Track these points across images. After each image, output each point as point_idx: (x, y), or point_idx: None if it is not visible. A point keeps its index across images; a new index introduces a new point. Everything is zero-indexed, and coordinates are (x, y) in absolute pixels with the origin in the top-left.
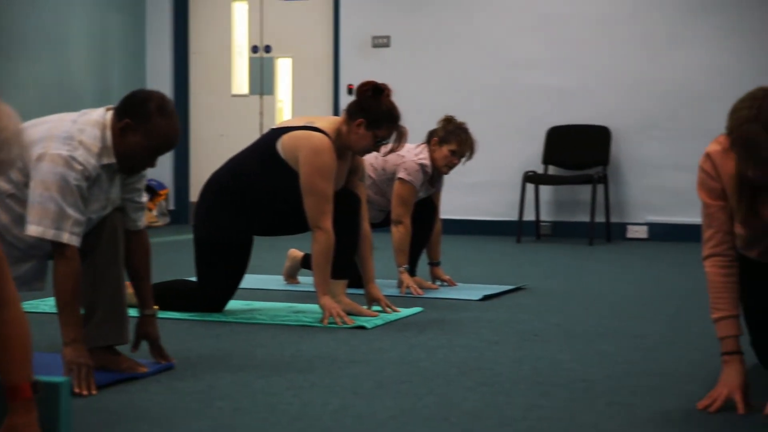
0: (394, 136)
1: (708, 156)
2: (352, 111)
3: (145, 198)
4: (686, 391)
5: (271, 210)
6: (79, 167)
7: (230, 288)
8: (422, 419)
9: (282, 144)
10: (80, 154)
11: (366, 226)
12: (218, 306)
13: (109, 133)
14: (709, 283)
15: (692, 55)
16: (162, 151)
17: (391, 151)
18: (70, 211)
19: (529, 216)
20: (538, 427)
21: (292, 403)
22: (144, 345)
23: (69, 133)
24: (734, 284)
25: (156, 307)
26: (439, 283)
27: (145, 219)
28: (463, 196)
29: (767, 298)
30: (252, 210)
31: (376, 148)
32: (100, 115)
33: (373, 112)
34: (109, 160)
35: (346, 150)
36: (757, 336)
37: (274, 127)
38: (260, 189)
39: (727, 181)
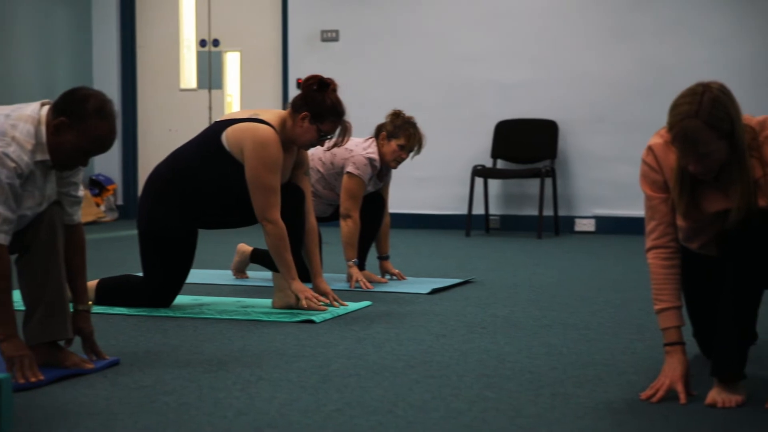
0: (338, 131)
1: (650, 149)
2: (297, 104)
3: (81, 192)
4: (629, 382)
5: (215, 203)
6: (12, 164)
7: (176, 282)
8: (368, 412)
9: (227, 136)
10: (13, 151)
11: (312, 220)
12: (165, 301)
13: (43, 129)
14: (651, 274)
15: (637, 48)
16: (94, 153)
17: (335, 145)
18: (0, 209)
19: (478, 210)
20: (483, 418)
21: (239, 397)
22: (77, 341)
23: (1, 129)
24: (677, 276)
25: (90, 302)
26: (388, 276)
27: (80, 213)
28: (412, 190)
29: (708, 291)
30: (196, 203)
31: (320, 142)
32: (35, 111)
33: (317, 106)
34: (43, 156)
35: (290, 143)
36: (699, 327)
37: (218, 119)
38: (204, 181)
39: (668, 174)
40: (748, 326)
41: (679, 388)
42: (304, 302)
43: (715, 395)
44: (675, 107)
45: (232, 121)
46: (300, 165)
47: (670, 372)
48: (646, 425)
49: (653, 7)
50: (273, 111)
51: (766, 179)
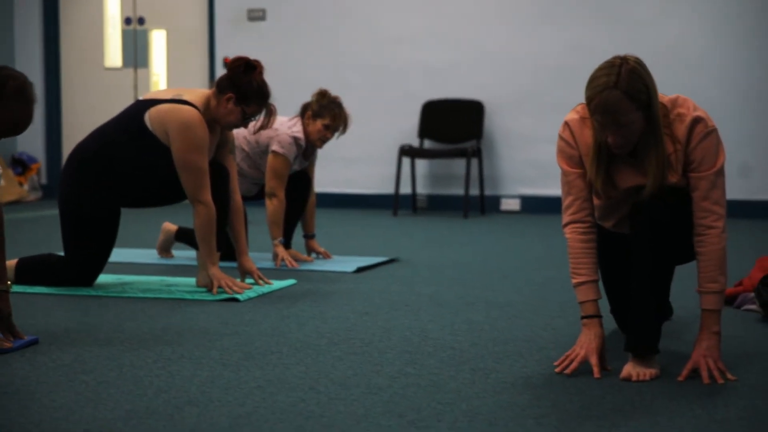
0: (263, 114)
1: (566, 124)
2: (223, 85)
3: None
4: (548, 357)
5: (137, 182)
6: None
7: (98, 261)
8: (289, 388)
9: (150, 117)
10: None
11: (237, 198)
12: (87, 280)
13: None
14: (569, 249)
15: (562, 31)
16: (8, 135)
17: (261, 128)
18: None
19: (406, 189)
20: (404, 393)
21: (159, 375)
22: None
23: None
24: (593, 250)
25: (9, 282)
26: (314, 255)
27: None
28: (339, 170)
29: (623, 267)
30: (118, 182)
31: (244, 124)
32: None
33: (243, 87)
34: None
35: (214, 123)
36: (616, 303)
37: (140, 98)
38: (126, 160)
39: (584, 150)
40: (662, 301)
41: (593, 360)
42: (215, 290)
43: (630, 369)
44: (593, 80)
45: (155, 101)
46: (224, 144)
47: (586, 343)
48: (562, 398)
49: None
50: (197, 91)
51: (676, 156)
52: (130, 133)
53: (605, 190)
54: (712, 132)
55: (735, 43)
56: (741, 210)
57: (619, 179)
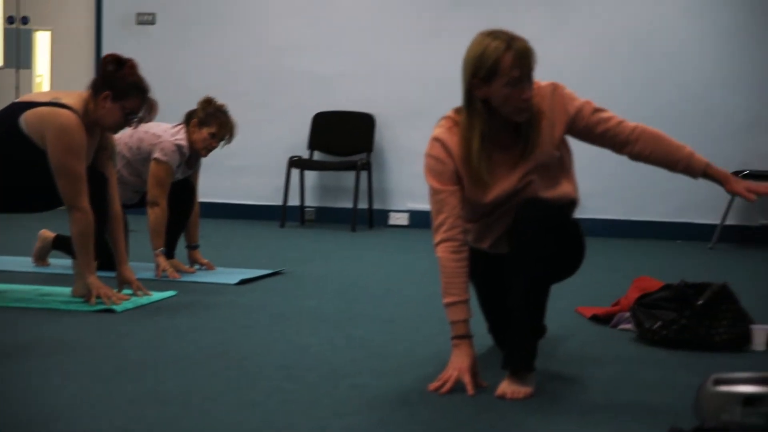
0: (143, 109)
1: (436, 140)
2: (97, 85)
3: None
4: (427, 374)
5: (12, 187)
6: None
7: None
8: (162, 402)
9: (26, 121)
10: None
11: (117, 206)
12: None
13: None
14: (441, 268)
15: (453, 45)
16: None
17: (140, 121)
18: None
19: (294, 201)
20: (279, 410)
21: (27, 388)
22: None
23: None
24: (465, 269)
25: None
26: (197, 266)
27: None
28: (227, 179)
29: (500, 287)
30: None
31: (128, 122)
32: None
33: (117, 83)
34: None
35: (95, 126)
36: (493, 322)
37: (16, 100)
38: (0, 164)
39: (458, 157)
40: (538, 320)
41: (467, 379)
42: (93, 300)
43: (505, 387)
44: (487, 46)
45: (31, 104)
46: (103, 148)
47: (458, 364)
48: (437, 416)
49: (470, 7)
50: (74, 93)
51: (567, 154)
52: (4, 137)
53: (481, 193)
54: (562, 87)
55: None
56: (618, 230)
57: (495, 182)
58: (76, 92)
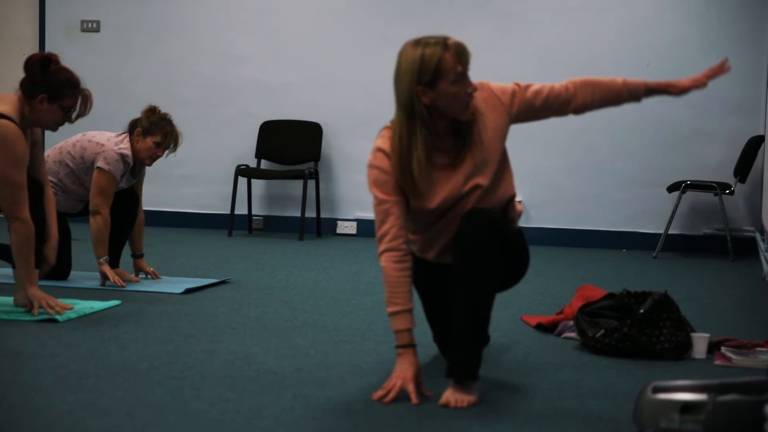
0: (79, 102)
1: (378, 150)
2: (29, 89)
3: None
4: (371, 384)
5: None
6: None
7: None
8: (103, 413)
9: None
10: None
11: (51, 211)
12: None
13: None
14: (385, 277)
15: None
16: None
17: (78, 116)
18: None
19: (242, 210)
20: (222, 420)
21: None
22: None
23: None
24: (409, 278)
25: None
26: (142, 275)
27: None
28: (174, 188)
29: (444, 296)
30: None
31: (68, 119)
32: None
33: (50, 84)
34: None
35: (33, 127)
36: (438, 331)
37: None
38: None
39: (400, 167)
40: (482, 329)
41: (410, 388)
42: (35, 311)
43: (449, 395)
44: (424, 54)
45: None
46: (34, 143)
47: (402, 373)
48: (382, 425)
49: (418, 16)
50: (6, 97)
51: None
52: None
53: (426, 200)
54: (488, 82)
55: None
56: (564, 239)
57: (439, 187)
58: (8, 95)
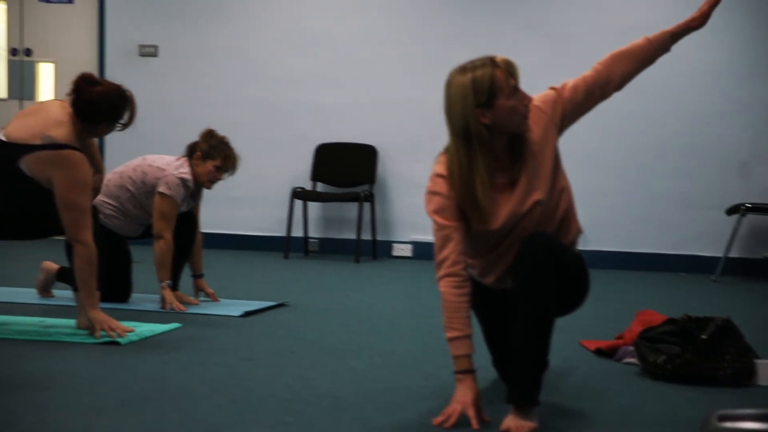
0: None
1: (438, 176)
2: (85, 120)
3: None
4: (430, 408)
5: (11, 218)
6: None
7: None
8: None
9: (28, 165)
10: None
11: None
12: None
13: None
14: (444, 302)
15: None
16: None
17: (125, 126)
18: None
19: (298, 232)
20: None
21: (31, 422)
22: None
23: None
24: (468, 303)
25: None
26: (202, 296)
27: None
28: (230, 211)
29: (504, 321)
30: None
31: (119, 128)
32: None
33: (103, 113)
34: None
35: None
36: (497, 356)
37: (2, 137)
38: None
39: (460, 192)
40: (542, 355)
41: (471, 413)
42: (97, 334)
43: (509, 422)
44: (475, 77)
45: (25, 147)
46: (91, 158)
47: (462, 398)
48: None
49: (470, 38)
50: (60, 123)
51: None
52: (5, 179)
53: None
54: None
55: None
56: (619, 262)
57: (500, 206)
58: (57, 117)
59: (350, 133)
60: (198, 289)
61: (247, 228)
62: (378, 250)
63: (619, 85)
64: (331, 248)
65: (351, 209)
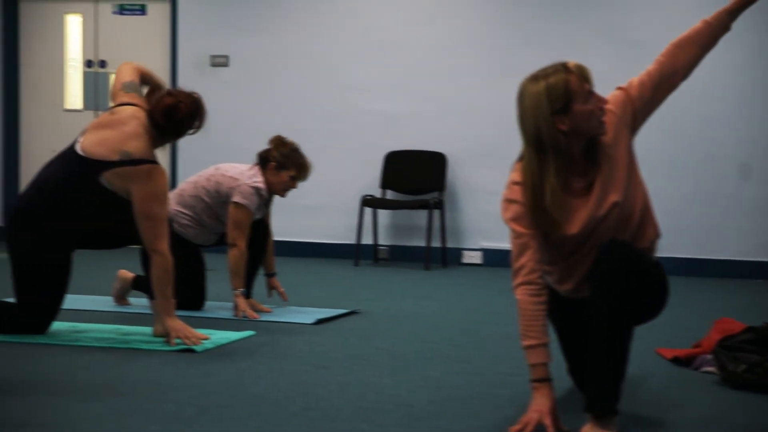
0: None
1: (514, 183)
2: (166, 135)
3: None
4: (506, 417)
5: (89, 227)
6: None
7: (51, 308)
8: None
9: (108, 179)
10: None
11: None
12: (41, 328)
13: None
14: (520, 311)
15: None
16: None
17: (196, 130)
18: None
19: (367, 240)
20: None
21: (110, 429)
22: None
23: None
24: (544, 312)
25: None
26: (274, 294)
27: None
28: (300, 218)
29: (580, 329)
30: (68, 229)
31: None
32: None
33: (179, 132)
34: None
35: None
36: (574, 364)
37: (80, 151)
38: (79, 213)
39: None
40: (621, 363)
41: (548, 422)
42: (172, 342)
43: (588, 431)
44: (549, 84)
45: (105, 163)
46: None
47: (538, 407)
48: None
49: (541, 46)
50: (136, 136)
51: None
52: (86, 192)
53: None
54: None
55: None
56: (694, 269)
57: (577, 211)
58: (132, 131)
59: (419, 141)
60: (271, 287)
61: (317, 236)
62: (448, 258)
63: (686, 74)
64: (400, 256)
65: (420, 217)
